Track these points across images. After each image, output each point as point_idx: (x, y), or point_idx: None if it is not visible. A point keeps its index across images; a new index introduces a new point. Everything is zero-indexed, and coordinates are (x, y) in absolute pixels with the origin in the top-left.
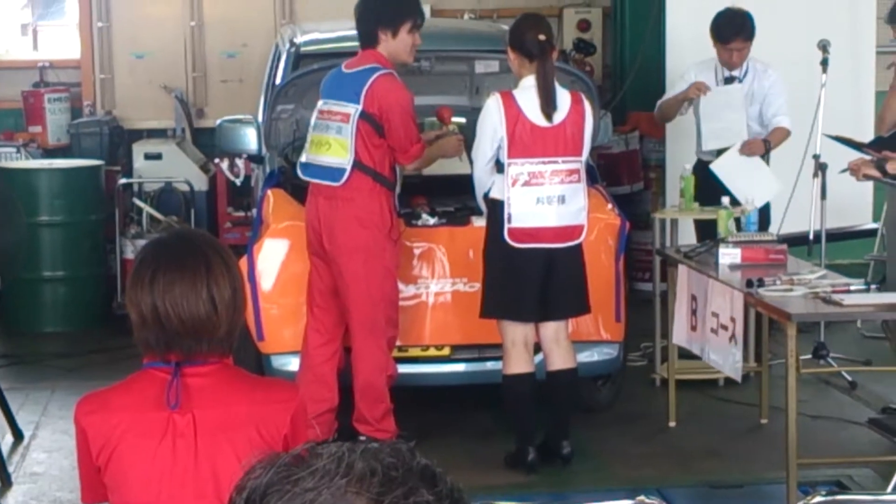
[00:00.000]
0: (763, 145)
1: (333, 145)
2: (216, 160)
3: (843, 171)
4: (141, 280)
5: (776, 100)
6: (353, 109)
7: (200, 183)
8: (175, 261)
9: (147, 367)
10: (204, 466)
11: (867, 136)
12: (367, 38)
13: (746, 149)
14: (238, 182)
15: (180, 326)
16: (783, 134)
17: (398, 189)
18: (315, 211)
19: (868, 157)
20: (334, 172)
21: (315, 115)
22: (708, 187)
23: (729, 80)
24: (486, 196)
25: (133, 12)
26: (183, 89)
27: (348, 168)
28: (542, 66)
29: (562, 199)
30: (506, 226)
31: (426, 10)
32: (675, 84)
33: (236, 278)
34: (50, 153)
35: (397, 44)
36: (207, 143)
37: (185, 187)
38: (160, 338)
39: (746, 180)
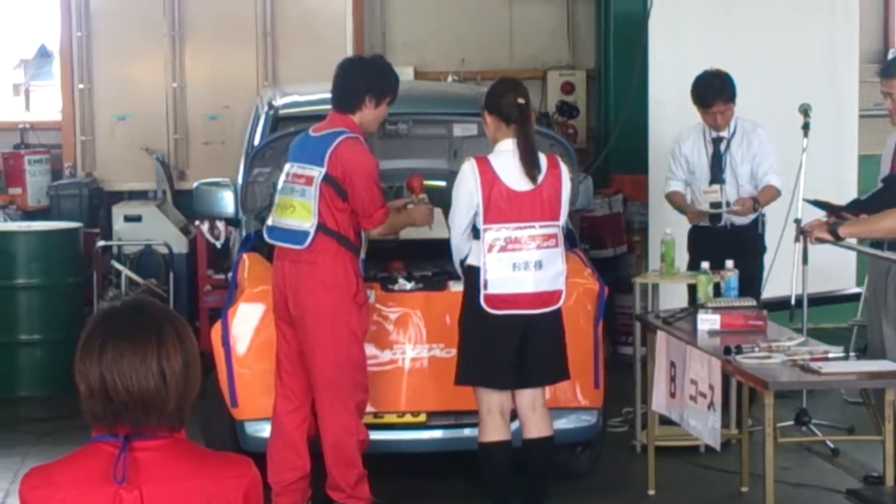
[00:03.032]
0: (752, 204)
1: (297, 208)
2: (196, 222)
3: (800, 233)
4: (89, 350)
5: (766, 159)
6: (317, 172)
7: (180, 245)
8: (125, 331)
9: (95, 440)
10: None
11: (848, 200)
12: (350, 101)
13: (737, 209)
14: (219, 245)
15: (128, 399)
16: (773, 193)
17: (363, 253)
18: (281, 275)
19: (823, 220)
20: (298, 235)
21: (283, 178)
22: (702, 250)
23: (717, 142)
24: (462, 262)
25: (115, 74)
26: (164, 151)
27: (312, 231)
28: (523, 129)
29: (539, 265)
30: (482, 292)
31: (409, 72)
32: (672, 154)
33: (189, 351)
34: (29, 215)
35: (375, 114)
36: (188, 205)
37: (165, 250)
38: (108, 410)
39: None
